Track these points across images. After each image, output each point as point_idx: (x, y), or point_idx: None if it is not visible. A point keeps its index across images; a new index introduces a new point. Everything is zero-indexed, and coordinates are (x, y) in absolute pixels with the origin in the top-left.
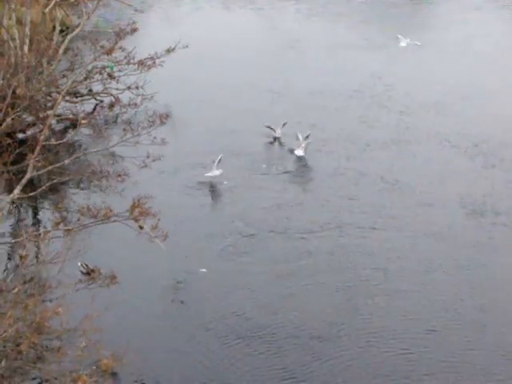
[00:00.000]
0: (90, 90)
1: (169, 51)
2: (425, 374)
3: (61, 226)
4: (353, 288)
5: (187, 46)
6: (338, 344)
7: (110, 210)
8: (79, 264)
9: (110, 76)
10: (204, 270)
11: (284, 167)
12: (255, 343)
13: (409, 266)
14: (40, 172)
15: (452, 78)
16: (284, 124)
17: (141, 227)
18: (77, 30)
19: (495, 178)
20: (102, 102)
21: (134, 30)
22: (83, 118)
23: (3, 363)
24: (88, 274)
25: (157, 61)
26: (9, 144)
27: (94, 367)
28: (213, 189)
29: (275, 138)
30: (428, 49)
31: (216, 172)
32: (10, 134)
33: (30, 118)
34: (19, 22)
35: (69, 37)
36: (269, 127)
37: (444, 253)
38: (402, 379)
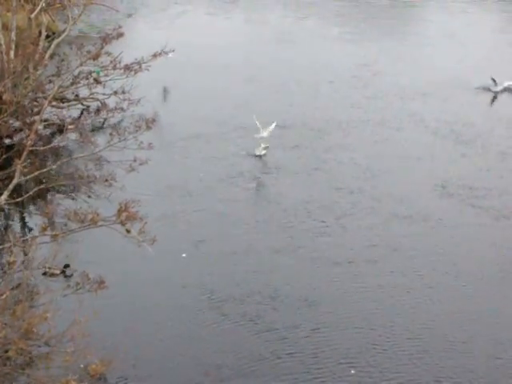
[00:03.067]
0: (77, 95)
1: (155, 56)
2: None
3: (48, 231)
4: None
5: (173, 51)
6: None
7: (97, 215)
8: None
9: (97, 81)
10: (184, 255)
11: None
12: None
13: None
14: (27, 177)
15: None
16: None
17: (128, 231)
18: (63, 36)
19: (474, 162)
20: (88, 107)
21: (120, 35)
22: (70, 123)
23: None
24: (53, 274)
25: (143, 65)
26: None
27: (83, 372)
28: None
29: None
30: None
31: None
32: None
33: (16, 124)
34: (5, 27)
35: (55, 42)
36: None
37: (417, 233)
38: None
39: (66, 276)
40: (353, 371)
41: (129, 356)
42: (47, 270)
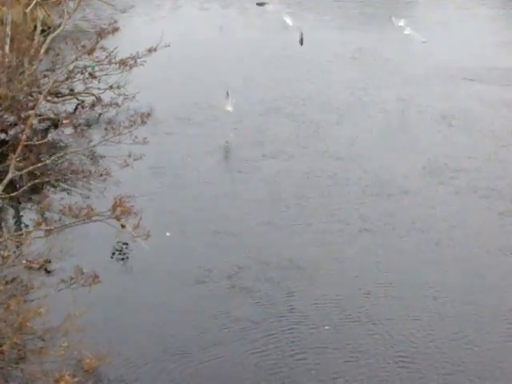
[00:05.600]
0: (72, 90)
1: (150, 51)
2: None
3: (42, 226)
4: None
5: (169, 45)
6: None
7: (92, 210)
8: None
9: (92, 76)
10: (168, 233)
11: None
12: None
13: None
14: (22, 172)
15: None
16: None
17: (123, 226)
18: (58, 30)
19: (461, 145)
20: (83, 101)
21: (116, 30)
22: (65, 118)
23: None
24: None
25: (138, 60)
26: None
27: (77, 367)
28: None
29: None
30: None
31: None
32: None
33: (11, 118)
34: (0, 21)
35: (50, 36)
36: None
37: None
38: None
39: (46, 271)
40: (327, 327)
41: (123, 350)
42: (27, 263)
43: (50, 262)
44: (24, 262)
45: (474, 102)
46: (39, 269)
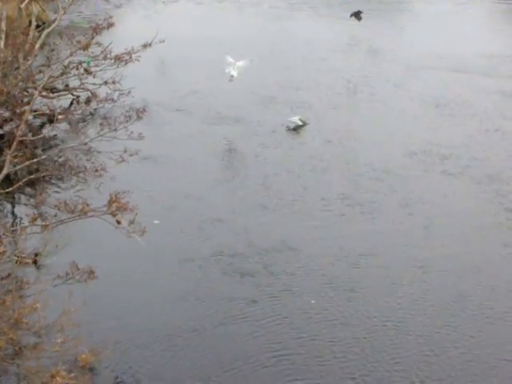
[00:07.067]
0: (67, 86)
1: (145, 46)
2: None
3: (38, 221)
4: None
5: (164, 41)
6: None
7: (87, 205)
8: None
9: (87, 71)
10: (157, 221)
11: None
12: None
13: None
14: (17, 167)
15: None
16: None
17: (118, 222)
18: (53, 25)
19: (452, 130)
20: (78, 97)
21: (111, 25)
22: (60, 114)
23: None
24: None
25: (133, 56)
26: None
27: (73, 362)
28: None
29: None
30: None
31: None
32: None
33: (6, 114)
34: None
35: (45, 32)
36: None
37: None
38: None
39: (36, 265)
40: (313, 301)
41: (119, 346)
42: (18, 258)
43: (39, 255)
44: (15, 257)
45: (464, 89)
46: (32, 263)
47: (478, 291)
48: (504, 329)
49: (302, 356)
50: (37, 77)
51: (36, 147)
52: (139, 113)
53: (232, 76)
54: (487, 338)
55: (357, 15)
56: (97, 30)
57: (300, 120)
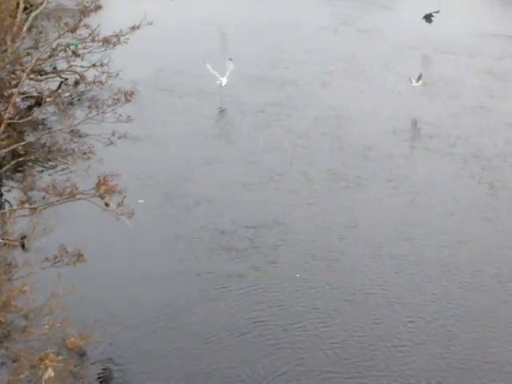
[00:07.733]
0: (55, 68)
1: (133, 28)
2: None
3: (26, 204)
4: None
5: (151, 23)
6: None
7: (76, 188)
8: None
9: (75, 54)
10: (142, 200)
11: None
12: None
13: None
14: (5, 150)
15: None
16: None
17: (107, 204)
18: (41, 8)
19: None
20: (66, 79)
21: (98, 8)
22: (48, 96)
23: None
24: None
25: (121, 38)
26: None
27: (61, 345)
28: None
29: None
30: None
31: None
32: None
33: None
34: None
35: (33, 14)
36: None
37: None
38: None
39: (24, 248)
40: (298, 275)
41: (107, 329)
42: (6, 241)
43: (27, 238)
44: (2, 240)
45: (454, 70)
46: (20, 246)
47: (460, 263)
48: (485, 296)
49: (284, 326)
50: (24, 59)
51: (24, 130)
52: (127, 95)
53: (224, 85)
54: (469, 306)
55: (428, 18)
56: (85, 12)
57: None
